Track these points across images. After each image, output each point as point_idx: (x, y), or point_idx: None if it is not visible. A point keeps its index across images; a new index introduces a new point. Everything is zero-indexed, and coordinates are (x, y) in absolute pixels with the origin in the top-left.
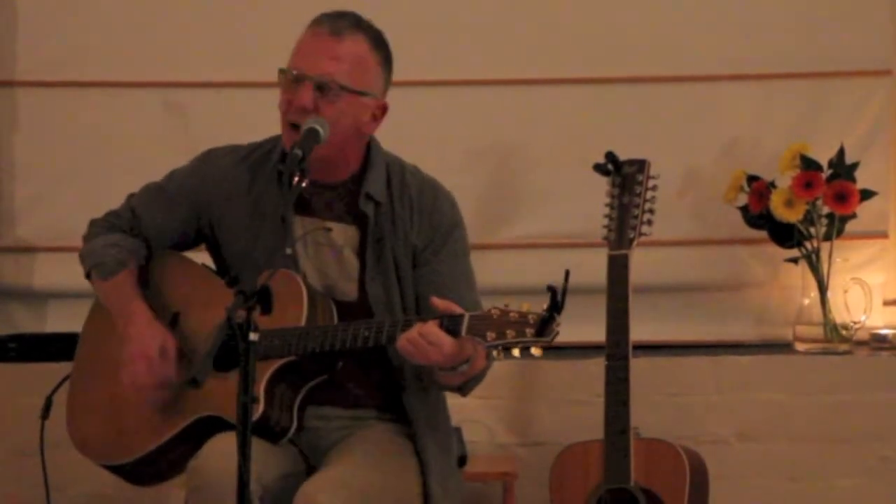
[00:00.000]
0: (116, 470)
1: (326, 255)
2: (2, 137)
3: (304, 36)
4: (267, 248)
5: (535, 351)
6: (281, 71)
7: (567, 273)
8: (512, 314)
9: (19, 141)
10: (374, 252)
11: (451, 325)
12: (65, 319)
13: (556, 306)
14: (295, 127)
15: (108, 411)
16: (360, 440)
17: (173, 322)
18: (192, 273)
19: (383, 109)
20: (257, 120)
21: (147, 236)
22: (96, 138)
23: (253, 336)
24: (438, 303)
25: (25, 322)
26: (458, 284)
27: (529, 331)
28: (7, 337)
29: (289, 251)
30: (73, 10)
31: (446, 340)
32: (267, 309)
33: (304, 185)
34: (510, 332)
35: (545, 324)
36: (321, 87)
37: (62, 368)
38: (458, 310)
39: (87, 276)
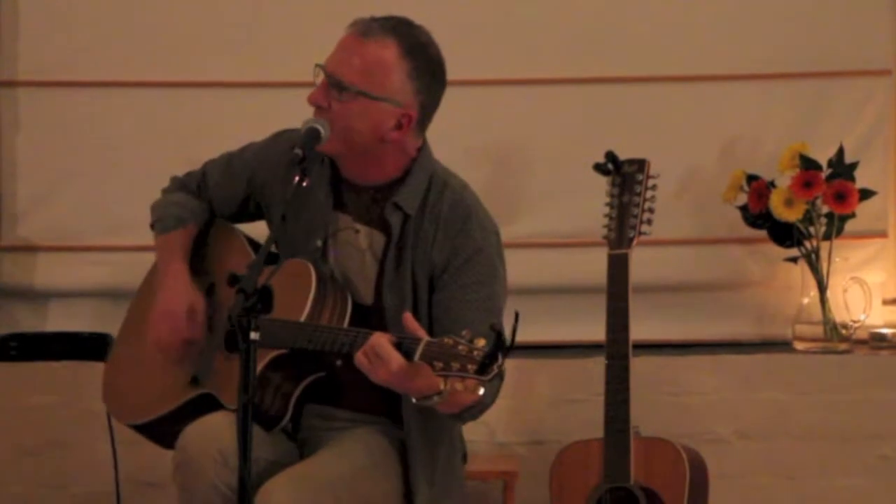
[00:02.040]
0: (137, 429)
1: (351, 255)
2: (3, 137)
3: (343, 35)
4: (297, 239)
5: (476, 387)
6: (316, 66)
7: (517, 314)
8: (462, 347)
9: (21, 141)
10: (394, 262)
11: (406, 346)
12: (66, 319)
13: (501, 346)
14: None
15: (132, 371)
16: (342, 436)
17: (208, 292)
18: (237, 249)
19: (409, 119)
20: (258, 120)
21: (210, 201)
22: (97, 138)
23: (254, 335)
24: (409, 323)
25: (26, 321)
26: (472, 314)
27: (471, 367)
28: (8, 336)
29: (319, 244)
30: (74, 11)
31: (395, 358)
32: (267, 309)
33: (304, 184)
34: (455, 364)
35: (486, 365)
36: (337, 86)
37: (63, 368)
38: (422, 334)
39: (152, 227)
